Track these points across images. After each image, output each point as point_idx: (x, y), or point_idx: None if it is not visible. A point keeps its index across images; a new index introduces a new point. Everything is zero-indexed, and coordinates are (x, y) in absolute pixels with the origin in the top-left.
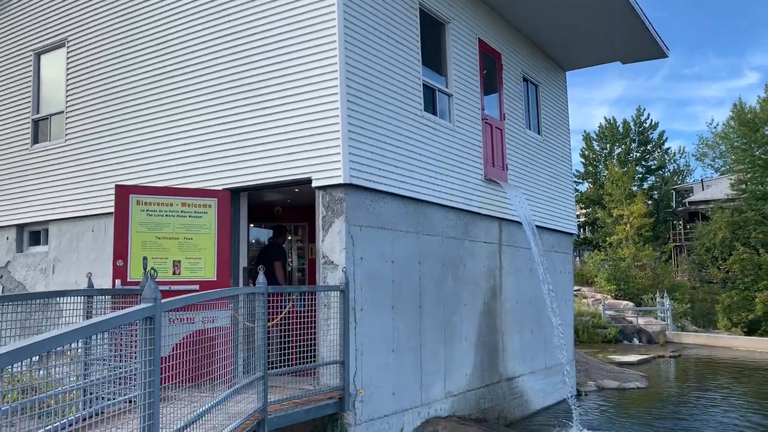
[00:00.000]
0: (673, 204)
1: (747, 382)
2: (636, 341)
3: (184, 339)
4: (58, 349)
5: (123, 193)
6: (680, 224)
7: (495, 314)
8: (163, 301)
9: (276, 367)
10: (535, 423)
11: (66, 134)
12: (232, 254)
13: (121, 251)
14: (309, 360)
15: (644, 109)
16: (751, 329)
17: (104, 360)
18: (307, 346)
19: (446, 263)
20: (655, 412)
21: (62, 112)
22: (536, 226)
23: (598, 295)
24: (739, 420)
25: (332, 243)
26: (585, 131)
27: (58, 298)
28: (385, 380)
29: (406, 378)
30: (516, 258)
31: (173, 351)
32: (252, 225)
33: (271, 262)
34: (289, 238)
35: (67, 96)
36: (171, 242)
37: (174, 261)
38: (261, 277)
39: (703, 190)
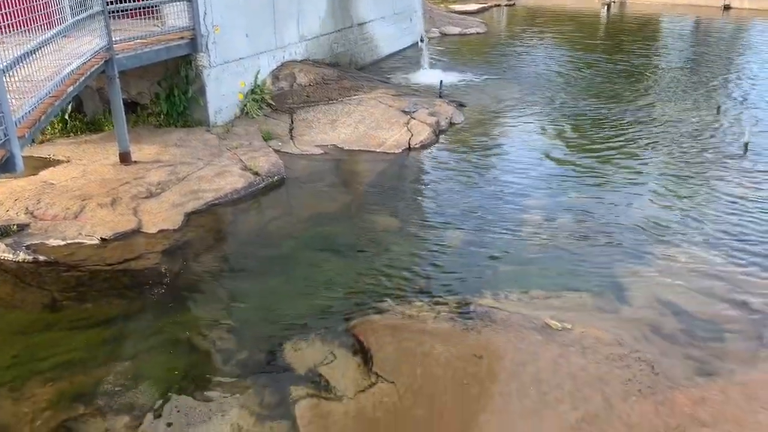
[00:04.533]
0: None
1: (568, 26)
2: None
3: None
4: None
5: None
6: None
7: None
8: None
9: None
10: (386, 66)
11: None
12: None
13: None
14: None
15: None
16: None
17: None
18: None
19: None
20: (493, 50)
21: None
22: None
23: None
24: (555, 52)
25: None
26: None
27: None
28: (238, 22)
29: (259, 20)
30: None
31: None
32: None
33: None
34: None
35: None
36: None
37: None
38: None
39: None
